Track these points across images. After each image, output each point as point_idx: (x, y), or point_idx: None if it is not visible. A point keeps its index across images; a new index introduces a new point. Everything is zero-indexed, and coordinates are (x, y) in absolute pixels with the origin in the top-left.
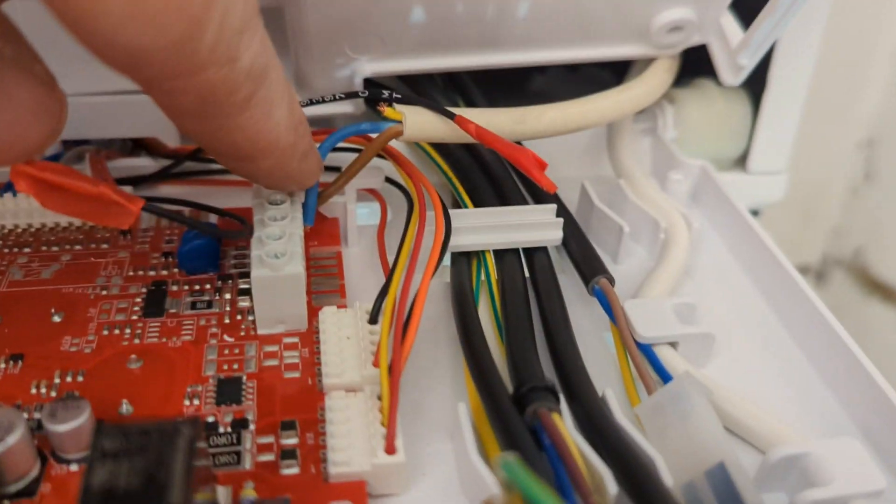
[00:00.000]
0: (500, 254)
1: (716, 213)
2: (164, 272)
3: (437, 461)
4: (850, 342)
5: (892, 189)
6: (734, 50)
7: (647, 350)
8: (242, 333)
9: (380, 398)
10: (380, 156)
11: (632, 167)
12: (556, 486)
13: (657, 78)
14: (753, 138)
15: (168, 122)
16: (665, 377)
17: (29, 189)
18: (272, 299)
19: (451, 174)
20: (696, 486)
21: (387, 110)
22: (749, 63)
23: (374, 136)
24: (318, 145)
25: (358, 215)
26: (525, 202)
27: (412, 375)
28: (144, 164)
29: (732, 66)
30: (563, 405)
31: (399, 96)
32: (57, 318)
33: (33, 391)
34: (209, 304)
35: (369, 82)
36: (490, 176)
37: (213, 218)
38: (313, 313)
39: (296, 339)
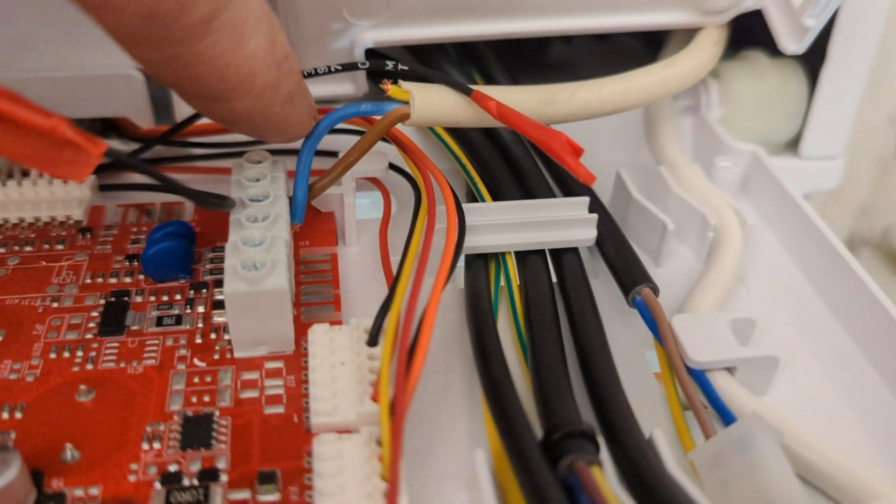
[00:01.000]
0: (522, 256)
1: (769, 206)
2: (128, 279)
3: None
4: None
5: None
6: (798, 8)
7: (700, 377)
8: (216, 357)
9: (380, 444)
10: (383, 139)
11: (674, 152)
12: None
13: (705, 51)
14: (808, 118)
15: (141, 102)
16: (723, 412)
17: None
18: (250, 318)
19: (464, 160)
20: None
21: (392, 89)
22: (817, 24)
23: (377, 118)
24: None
25: (357, 207)
26: (552, 194)
27: (419, 409)
28: (115, 146)
29: (795, 29)
30: (603, 448)
31: (405, 68)
32: None
33: None
34: (178, 320)
35: (372, 53)
36: (511, 162)
37: (189, 206)
38: (302, 330)
39: (280, 364)
